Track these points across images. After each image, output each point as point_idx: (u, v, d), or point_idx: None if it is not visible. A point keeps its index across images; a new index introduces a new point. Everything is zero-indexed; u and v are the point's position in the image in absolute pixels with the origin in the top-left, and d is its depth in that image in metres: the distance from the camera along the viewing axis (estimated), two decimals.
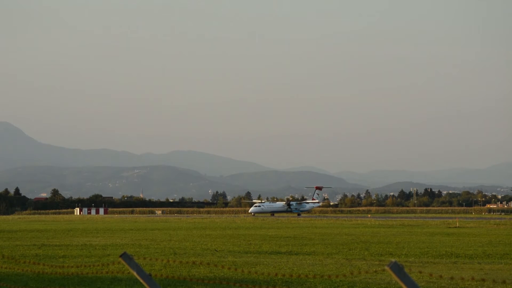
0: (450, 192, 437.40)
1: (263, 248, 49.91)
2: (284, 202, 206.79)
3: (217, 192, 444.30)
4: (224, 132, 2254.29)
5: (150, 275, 12.80)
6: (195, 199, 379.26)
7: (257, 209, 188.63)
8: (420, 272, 18.60)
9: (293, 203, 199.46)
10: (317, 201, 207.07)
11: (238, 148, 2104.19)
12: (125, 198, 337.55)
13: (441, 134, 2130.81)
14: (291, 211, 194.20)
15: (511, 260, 40.45)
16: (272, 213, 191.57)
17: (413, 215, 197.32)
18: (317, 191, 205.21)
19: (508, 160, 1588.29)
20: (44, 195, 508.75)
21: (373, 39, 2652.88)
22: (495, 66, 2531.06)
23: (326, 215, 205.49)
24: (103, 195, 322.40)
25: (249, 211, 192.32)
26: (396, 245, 53.36)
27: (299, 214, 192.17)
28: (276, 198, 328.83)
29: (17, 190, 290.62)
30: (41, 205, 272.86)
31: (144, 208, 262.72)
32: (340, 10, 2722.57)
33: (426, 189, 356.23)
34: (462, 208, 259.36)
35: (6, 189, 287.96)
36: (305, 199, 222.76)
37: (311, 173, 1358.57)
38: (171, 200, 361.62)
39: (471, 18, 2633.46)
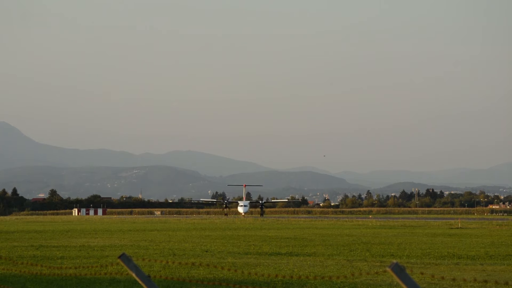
0: (452, 192, 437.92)
1: (263, 249, 49.71)
2: (249, 201, 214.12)
3: (216, 192, 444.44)
4: (224, 132, 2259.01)
5: (149, 276, 12.57)
6: (194, 200, 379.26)
7: (246, 209, 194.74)
8: (422, 274, 18.34)
9: (262, 202, 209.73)
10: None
11: (238, 148, 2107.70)
12: (124, 199, 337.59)
13: (443, 134, 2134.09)
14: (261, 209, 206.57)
15: None
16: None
17: (415, 215, 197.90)
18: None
19: (510, 160, 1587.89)
20: (42, 195, 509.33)
21: (372, 37, 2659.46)
22: (497, 65, 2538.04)
23: (327, 215, 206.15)
24: (102, 196, 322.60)
25: (241, 212, 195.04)
26: (398, 246, 53.18)
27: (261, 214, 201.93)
28: (276, 198, 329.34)
29: (14, 190, 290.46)
30: (39, 206, 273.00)
31: (143, 209, 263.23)
32: (340, 8, 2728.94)
33: (427, 190, 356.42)
34: (464, 208, 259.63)
35: (4, 190, 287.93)
36: (306, 199, 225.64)
37: (311, 173, 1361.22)
38: (170, 201, 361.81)
39: (472, 17, 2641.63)
